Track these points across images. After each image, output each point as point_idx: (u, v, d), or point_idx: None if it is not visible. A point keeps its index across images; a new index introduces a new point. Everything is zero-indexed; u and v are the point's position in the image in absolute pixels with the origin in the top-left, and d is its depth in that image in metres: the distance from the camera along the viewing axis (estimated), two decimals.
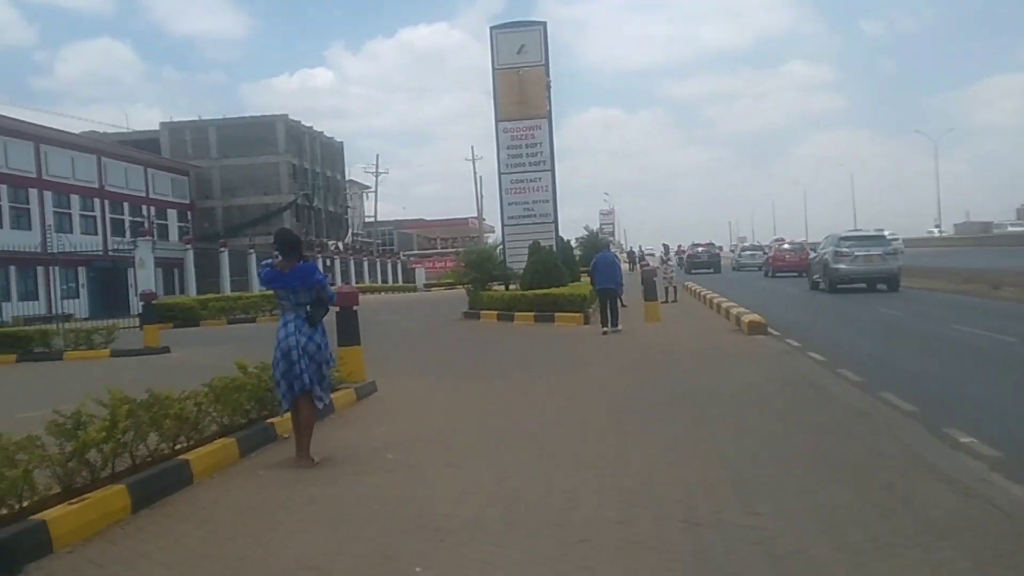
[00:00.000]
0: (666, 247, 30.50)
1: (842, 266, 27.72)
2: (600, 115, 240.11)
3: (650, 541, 4.87)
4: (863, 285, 28.02)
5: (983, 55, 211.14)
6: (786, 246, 47.30)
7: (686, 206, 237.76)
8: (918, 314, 19.84)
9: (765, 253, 52.82)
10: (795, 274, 38.06)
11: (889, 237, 34.67)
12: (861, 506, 5.34)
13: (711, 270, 50.90)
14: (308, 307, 7.33)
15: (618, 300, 18.80)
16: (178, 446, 7.13)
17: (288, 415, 7.61)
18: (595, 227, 67.06)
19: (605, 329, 18.19)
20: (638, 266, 26.00)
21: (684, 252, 56.22)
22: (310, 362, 7.28)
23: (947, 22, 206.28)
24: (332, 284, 8.06)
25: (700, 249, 53.25)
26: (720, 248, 57.68)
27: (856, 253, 27.76)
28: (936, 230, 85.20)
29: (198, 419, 7.43)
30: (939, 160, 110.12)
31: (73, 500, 5.56)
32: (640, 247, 35.25)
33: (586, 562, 4.59)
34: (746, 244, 70.11)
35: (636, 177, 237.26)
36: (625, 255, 26.82)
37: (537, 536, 5.05)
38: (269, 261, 7.52)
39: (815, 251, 33.18)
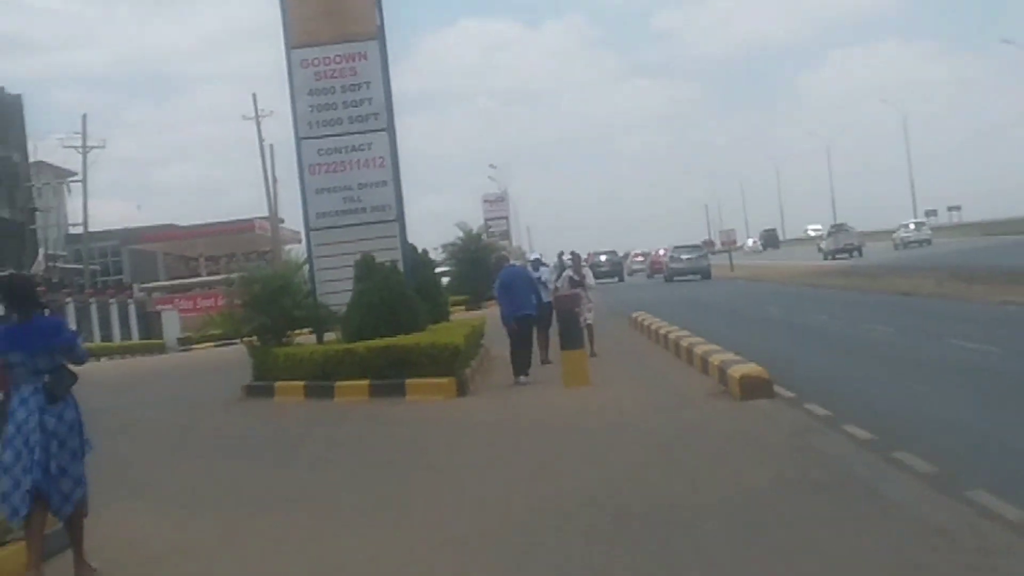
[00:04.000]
0: (576, 257, 29.87)
1: (675, 265, 78.30)
2: (478, 31, 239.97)
3: None
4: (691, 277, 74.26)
5: None
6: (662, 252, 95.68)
7: (632, 182, 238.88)
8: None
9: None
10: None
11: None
12: None
13: (614, 279, 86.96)
14: (46, 377, 8.86)
15: (543, 330, 23.51)
16: None
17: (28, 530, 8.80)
18: (477, 224, 67.22)
19: (521, 379, 21.69)
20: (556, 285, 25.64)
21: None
22: (60, 449, 8.83)
23: None
24: None
25: (603, 257, 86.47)
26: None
27: (683, 256, 78.54)
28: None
29: None
30: None
31: None
32: (571, 255, 33.95)
33: None
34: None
35: (543, 136, 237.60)
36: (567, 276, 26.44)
37: None
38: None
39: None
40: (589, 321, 24.80)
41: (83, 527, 9.16)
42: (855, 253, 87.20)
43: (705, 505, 10.05)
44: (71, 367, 9.15)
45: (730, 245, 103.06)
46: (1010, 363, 19.31)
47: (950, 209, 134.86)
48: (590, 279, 28.24)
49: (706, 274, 75.32)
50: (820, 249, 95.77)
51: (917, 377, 18.90)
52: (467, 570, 8.53)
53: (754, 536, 8.86)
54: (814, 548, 8.32)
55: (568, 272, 27.13)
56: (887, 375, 19.62)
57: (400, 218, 26.99)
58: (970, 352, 21.18)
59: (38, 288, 9.64)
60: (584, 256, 38.74)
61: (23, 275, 11.66)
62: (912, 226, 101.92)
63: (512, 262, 25.93)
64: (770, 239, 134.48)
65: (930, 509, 9.19)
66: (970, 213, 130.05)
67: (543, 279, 25.21)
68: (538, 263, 26.99)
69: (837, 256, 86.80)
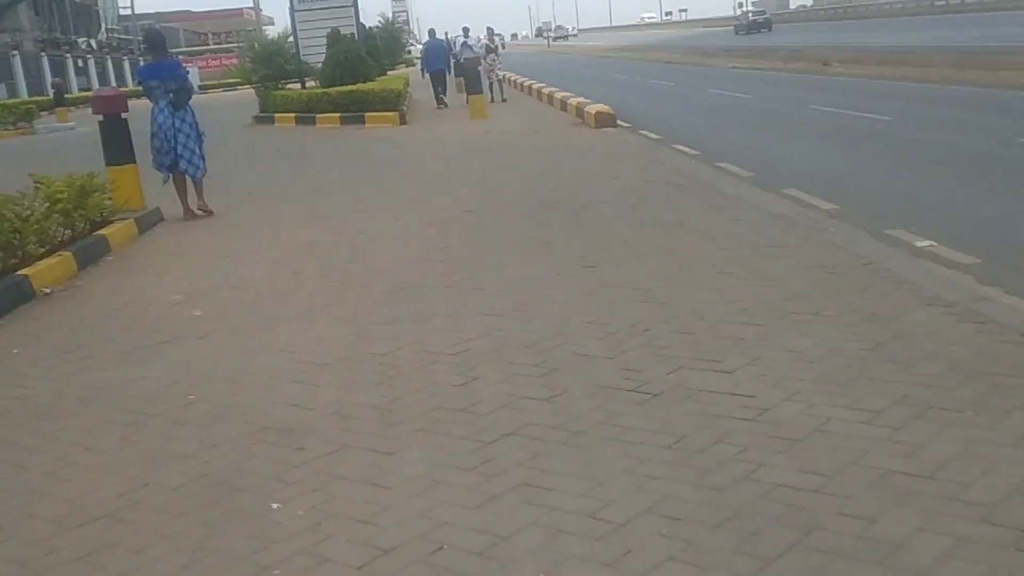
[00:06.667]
0: (490, 31, 28.27)
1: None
2: None
3: (597, 428, 3.58)
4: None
5: None
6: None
7: None
8: (768, 96, 19.73)
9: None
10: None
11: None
12: (857, 350, 4.19)
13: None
14: (171, 94, 9.35)
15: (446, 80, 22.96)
16: None
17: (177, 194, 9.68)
18: (388, 16, 64.19)
19: (440, 106, 21.98)
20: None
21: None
22: (186, 139, 9.42)
23: None
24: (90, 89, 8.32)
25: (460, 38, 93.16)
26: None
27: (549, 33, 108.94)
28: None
29: None
30: None
31: None
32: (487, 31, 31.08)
33: (517, 467, 3.26)
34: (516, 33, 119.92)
35: None
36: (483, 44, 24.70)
37: (448, 432, 3.69)
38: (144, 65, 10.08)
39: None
40: (499, 77, 23.91)
41: (202, 185, 9.71)
42: (567, 40, 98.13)
43: (598, 196, 8.95)
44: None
45: (546, 32, 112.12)
46: (755, 104, 18.51)
47: (681, 10, 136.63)
48: (499, 51, 26.48)
49: (502, 47, 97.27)
50: (543, 37, 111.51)
51: (701, 114, 18.08)
52: (449, 241, 7.44)
53: (637, 215, 7.83)
54: (686, 223, 7.27)
55: (485, 42, 25.91)
56: (683, 113, 18.59)
57: (355, 5, 25.07)
58: (722, 96, 20.51)
59: (166, 41, 10.36)
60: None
61: (158, 30, 13.14)
62: (571, 28, 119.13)
63: (433, 39, 24.94)
64: (539, 31, 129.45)
65: (762, 200, 8.16)
66: (693, 13, 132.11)
67: (471, 45, 24.47)
68: (466, 32, 25.83)
69: (554, 42, 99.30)
